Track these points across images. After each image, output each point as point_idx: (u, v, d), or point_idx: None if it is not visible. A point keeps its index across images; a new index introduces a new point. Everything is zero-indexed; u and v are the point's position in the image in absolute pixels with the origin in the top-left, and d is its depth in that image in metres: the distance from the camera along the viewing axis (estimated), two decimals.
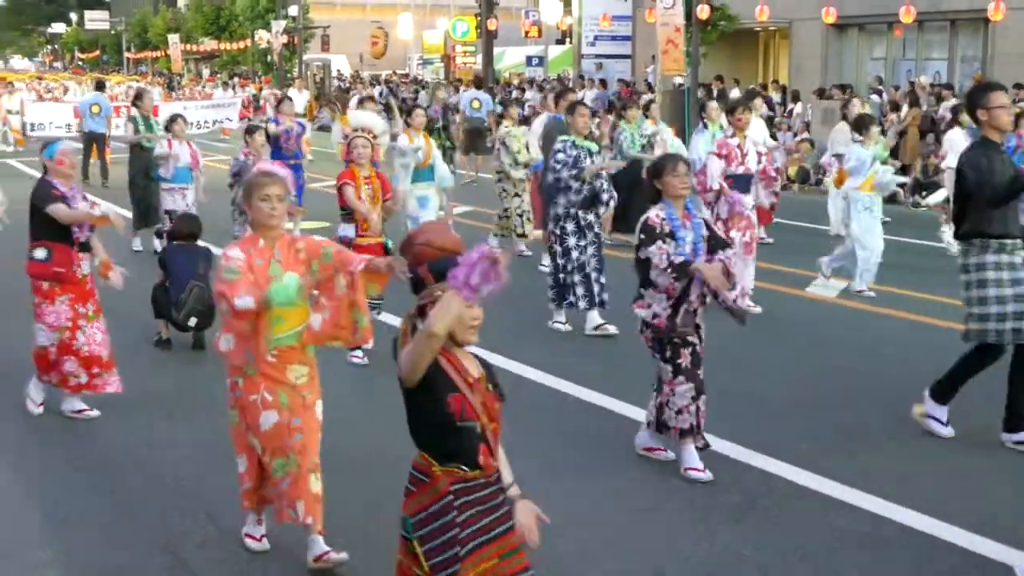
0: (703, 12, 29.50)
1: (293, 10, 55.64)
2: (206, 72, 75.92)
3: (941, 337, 9.76)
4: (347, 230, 9.70)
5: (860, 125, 12.88)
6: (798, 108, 29.01)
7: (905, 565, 5.86)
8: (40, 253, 7.93)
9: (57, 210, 7.83)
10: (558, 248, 10.53)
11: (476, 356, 4.13)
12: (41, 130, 29.48)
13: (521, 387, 8.62)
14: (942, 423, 7.65)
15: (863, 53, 35.67)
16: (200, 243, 10.54)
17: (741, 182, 11.23)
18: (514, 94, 37.11)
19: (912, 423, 7.75)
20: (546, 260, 12.98)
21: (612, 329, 10.44)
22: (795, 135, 24.64)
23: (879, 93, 28.44)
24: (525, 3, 57.89)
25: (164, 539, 6.11)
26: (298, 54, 54.82)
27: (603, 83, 36.30)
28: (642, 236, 6.75)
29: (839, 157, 14.84)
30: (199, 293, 9.74)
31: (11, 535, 6.27)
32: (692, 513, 6.47)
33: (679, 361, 6.84)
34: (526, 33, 47.71)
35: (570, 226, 10.42)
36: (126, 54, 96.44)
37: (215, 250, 10.65)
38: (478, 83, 31.66)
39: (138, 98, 16.42)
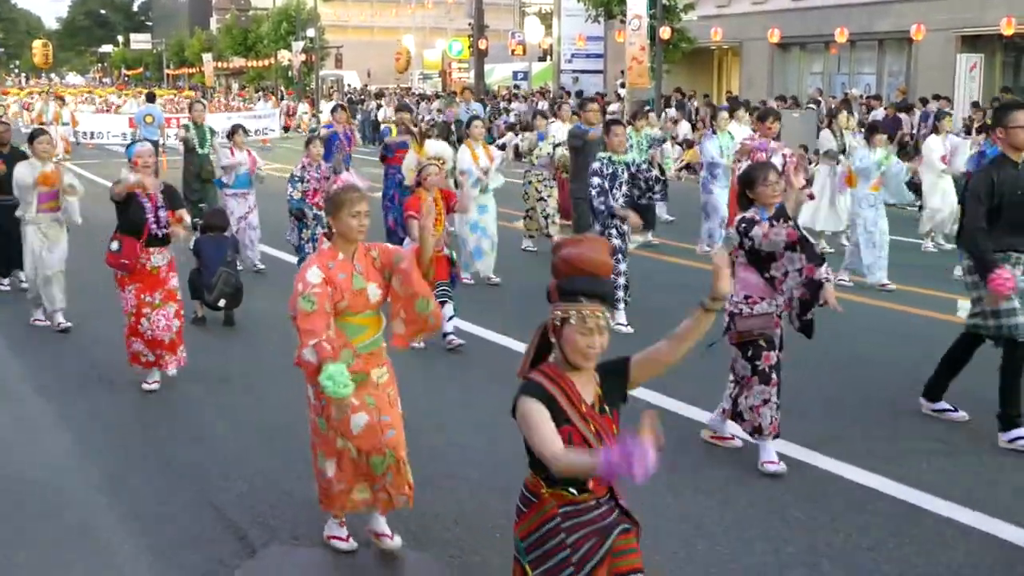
0: (665, 33, 29.51)
1: (311, 32, 55.55)
2: (235, 86, 75.53)
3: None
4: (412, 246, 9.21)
5: (870, 132, 12.17)
6: (746, 118, 28.96)
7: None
8: (114, 245, 7.84)
9: (115, 188, 7.85)
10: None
11: (598, 369, 3.55)
12: (100, 139, 29.28)
13: None
14: (952, 409, 7.20)
15: (804, 68, 35.71)
16: (227, 233, 10.91)
17: None
18: (502, 105, 37.02)
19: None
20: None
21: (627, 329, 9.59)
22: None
23: (817, 103, 28.44)
24: (512, 25, 57.73)
25: (206, 494, 6.09)
26: (315, 70, 54.66)
27: (579, 94, 36.29)
28: (742, 226, 6.20)
29: (828, 155, 14.48)
30: (227, 277, 9.95)
31: (74, 486, 6.25)
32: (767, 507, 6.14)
33: (758, 363, 6.29)
34: (512, 51, 47.62)
35: (614, 232, 9.49)
36: (166, 70, 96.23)
37: (268, 252, 10.58)
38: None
39: (191, 108, 16.21)
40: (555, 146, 14.06)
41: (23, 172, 9.71)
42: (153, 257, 7.92)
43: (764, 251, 6.17)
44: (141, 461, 6.66)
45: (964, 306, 7.21)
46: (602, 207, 9.37)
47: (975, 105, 24.25)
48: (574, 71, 41.52)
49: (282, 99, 52.48)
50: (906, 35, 28.82)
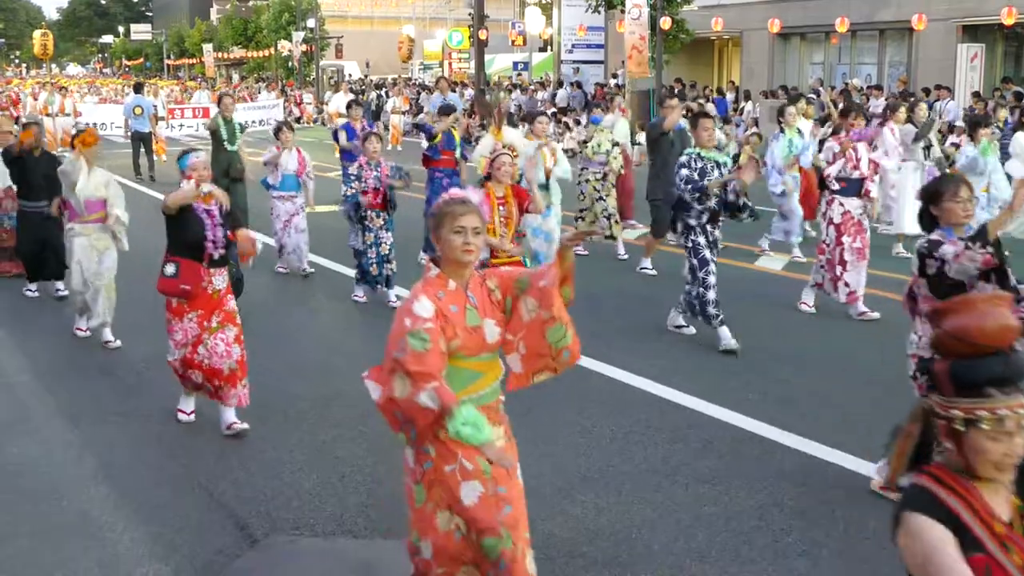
0: (665, 23, 29.46)
1: (311, 23, 55.49)
2: (236, 77, 75.44)
3: None
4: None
5: (973, 127, 11.66)
6: (748, 106, 29.02)
7: None
8: (169, 268, 6.78)
9: (167, 199, 6.79)
10: (694, 261, 8.77)
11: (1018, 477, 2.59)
12: (103, 129, 29.12)
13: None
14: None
15: (804, 59, 35.61)
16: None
17: (854, 186, 9.75)
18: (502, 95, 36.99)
19: None
20: (647, 263, 11.99)
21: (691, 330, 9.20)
22: (746, 129, 24.61)
23: (818, 94, 28.39)
24: (512, 16, 57.55)
25: (206, 484, 6.09)
26: (315, 61, 54.62)
27: (578, 85, 36.29)
28: (926, 247, 5.33)
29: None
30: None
31: (71, 477, 6.26)
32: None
33: None
34: (513, 42, 47.47)
35: (701, 239, 8.74)
36: (166, 61, 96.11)
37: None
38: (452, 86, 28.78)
39: (220, 102, 15.14)
40: (613, 144, 13.08)
41: (72, 170, 9.05)
42: (215, 280, 6.88)
43: (951, 278, 5.20)
44: (139, 450, 6.67)
45: None
46: (695, 202, 8.59)
47: (976, 95, 24.22)
48: (575, 61, 41.42)
49: (284, 90, 52.40)
50: (907, 25, 28.77)
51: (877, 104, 24.71)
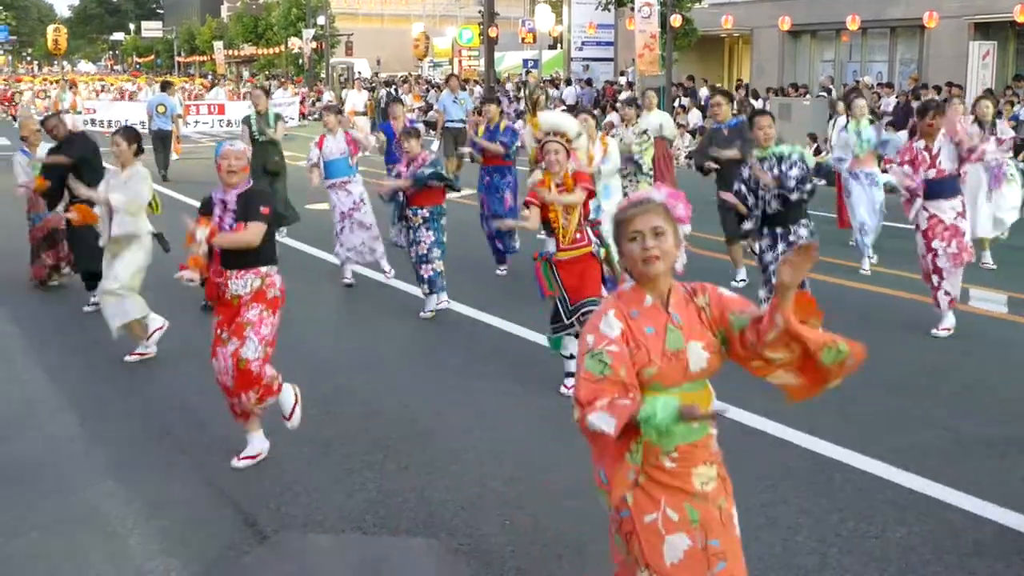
0: (676, 21, 29.43)
1: (321, 20, 55.55)
2: (246, 74, 75.58)
3: None
4: (548, 245, 7.64)
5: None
6: (758, 104, 28.91)
7: None
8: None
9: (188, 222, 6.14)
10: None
11: None
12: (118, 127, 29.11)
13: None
14: None
15: (815, 56, 35.54)
16: None
17: (938, 187, 9.00)
18: (511, 92, 36.97)
19: None
20: (739, 273, 11.15)
21: None
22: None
23: (828, 91, 28.33)
24: (522, 13, 57.58)
25: (215, 480, 6.10)
26: (325, 58, 54.69)
27: (589, 82, 36.27)
28: None
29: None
30: None
31: (81, 472, 6.27)
32: None
33: None
34: (523, 39, 47.47)
35: (768, 252, 8.53)
36: (177, 58, 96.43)
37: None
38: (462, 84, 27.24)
39: (252, 97, 14.63)
40: (643, 137, 12.14)
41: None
42: (231, 283, 6.17)
43: None
44: (149, 446, 6.68)
45: None
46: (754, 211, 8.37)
47: (988, 92, 24.13)
48: (584, 59, 41.44)
49: (316, 81, 52.44)
50: (918, 22, 28.70)
51: (888, 102, 24.68)
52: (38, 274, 11.44)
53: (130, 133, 8.59)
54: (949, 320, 9.10)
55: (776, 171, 8.38)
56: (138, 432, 6.93)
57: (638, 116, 12.29)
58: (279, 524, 5.48)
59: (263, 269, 6.21)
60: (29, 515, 5.64)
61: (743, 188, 8.56)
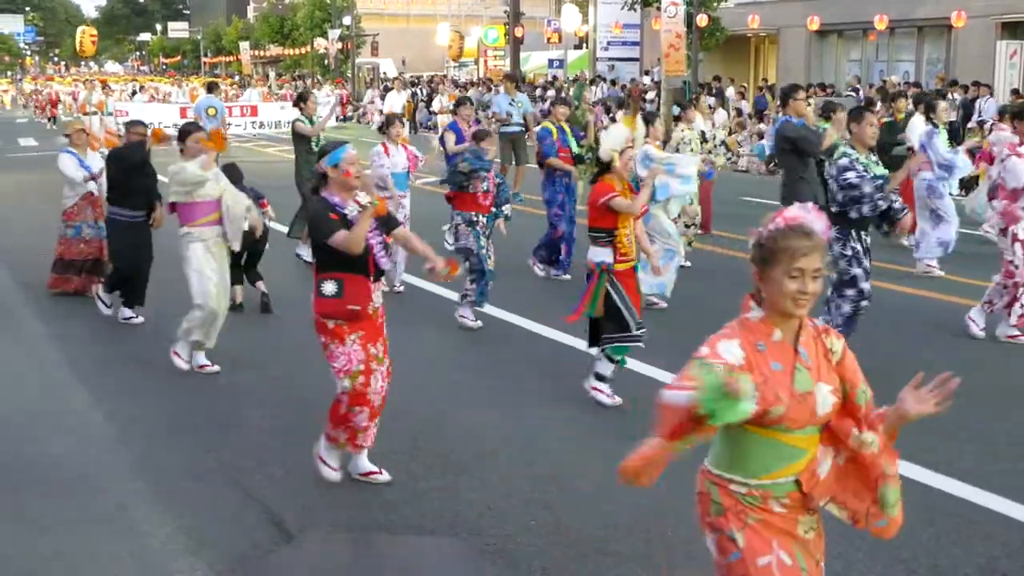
0: (702, 21, 29.36)
1: (347, 20, 55.71)
2: (272, 74, 75.90)
3: None
4: (603, 255, 7.05)
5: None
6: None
7: None
8: (329, 288, 5.66)
9: (338, 240, 5.56)
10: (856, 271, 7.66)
11: None
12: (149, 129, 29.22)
13: None
14: None
15: (841, 56, 35.41)
16: (244, 183, 9.50)
17: None
18: (538, 92, 36.95)
19: None
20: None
21: None
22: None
23: (856, 91, 28.18)
24: (547, 13, 57.54)
25: (241, 479, 6.11)
26: (351, 58, 54.84)
27: (614, 82, 36.24)
28: None
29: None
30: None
31: (107, 471, 6.30)
32: None
33: None
34: (548, 39, 47.49)
35: (859, 257, 7.70)
36: (203, 59, 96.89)
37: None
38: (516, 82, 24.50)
39: (302, 99, 13.60)
40: (702, 140, 12.02)
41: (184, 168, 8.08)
42: (376, 296, 5.83)
43: None
44: (174, 444, 6.70)
45: None
46: (881, 202, 7.38)
47: (1015, 92, 23.93)
48: (610, 59, 41.41)
49: (335, 87, 52.64)
50: (946, 22, 28.53)
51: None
52: (56, 285, 10.95)
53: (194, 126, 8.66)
54: (978, 317, 8.94)
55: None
56: (164, 432, 6.96)
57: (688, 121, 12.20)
58: (305, 523, 5.49)
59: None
60: (55, 513, 5.67)
61: (861, 178, 7.42)
